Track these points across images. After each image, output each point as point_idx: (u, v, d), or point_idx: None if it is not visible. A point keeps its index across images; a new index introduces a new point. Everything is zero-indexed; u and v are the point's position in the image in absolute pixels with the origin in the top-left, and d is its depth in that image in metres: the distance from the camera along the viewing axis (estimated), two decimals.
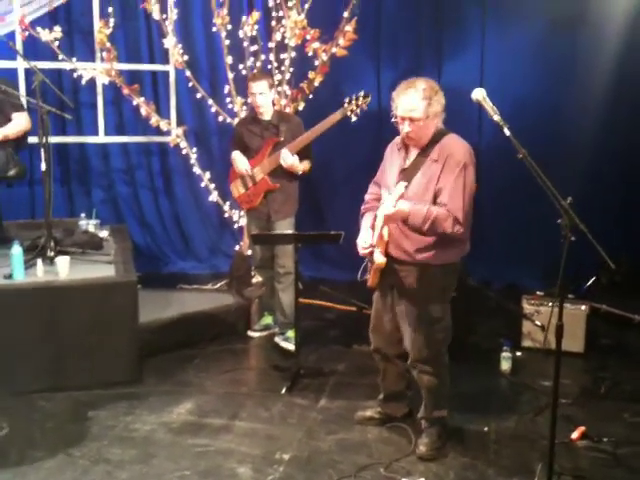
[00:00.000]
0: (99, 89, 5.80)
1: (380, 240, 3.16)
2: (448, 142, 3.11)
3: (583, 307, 4.63)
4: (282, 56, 5.63)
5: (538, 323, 4.62)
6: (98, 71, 5.62)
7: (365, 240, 3.25)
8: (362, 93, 4.44)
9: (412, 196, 3.08)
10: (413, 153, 3.18)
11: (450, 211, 2.99)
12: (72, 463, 3.22)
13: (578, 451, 3.39)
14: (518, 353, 4.55)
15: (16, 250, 4.02)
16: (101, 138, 5.99)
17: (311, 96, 5.65)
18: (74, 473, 3.13)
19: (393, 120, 3.12)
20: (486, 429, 3.60)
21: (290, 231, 4.64)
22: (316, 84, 5.58)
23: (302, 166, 4.57)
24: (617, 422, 3.69)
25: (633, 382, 4.20)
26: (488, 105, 2.69)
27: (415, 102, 3.01)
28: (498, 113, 2.66)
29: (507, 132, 2.62)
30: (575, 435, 3.48)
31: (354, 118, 4.48)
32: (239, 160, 4.74)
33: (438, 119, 3.10)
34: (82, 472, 3.14)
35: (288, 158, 4.47)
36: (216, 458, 3.29)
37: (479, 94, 2.73)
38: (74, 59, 5.56)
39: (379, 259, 3.16)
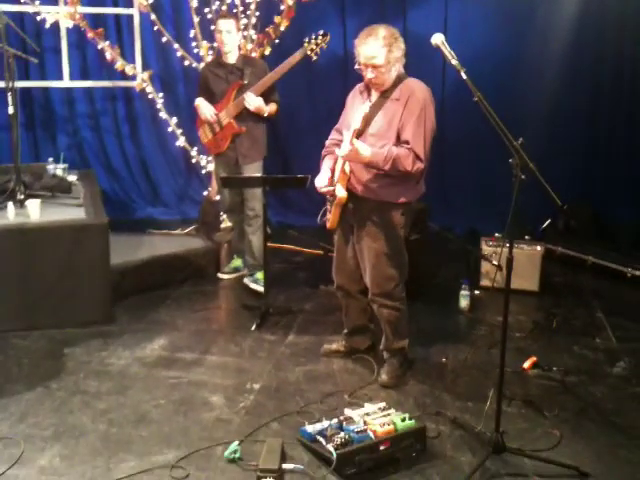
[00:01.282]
0: (63, 33, 5.73)
1: (342, 175, 3.32)
2: (409, 83, 3.27)
3: (539, 248, 4.86)
4: (248, 0, 5.62)
5: (495, 262, 4.82)
6: (62, 14, 5.55)
7: (324, 179, 3.41)
8: (321, 32, 4.47)
9: (375, 133, 3.25)
10: (375, 95, 3.33)
11: (412, 148, 3.15)
12: (50, 395, 3.36)
13: (529, 379, 3.63)
14: (477, 292, 4.77)
15: None
16: (66, 83, 5.95)
17: (277, 41, 5.68)
18: (53, 404, 3.27)
19: (356, 67, 3.27)
20: (444, 360, 3.82)
21: (258, 174, 4.74)
22: (282, 29, 5.61)
23: (268, 108, 4.63)
24: (567, 354, 3.94)
25: (583, 318, 4.46)
26: (446, 49, 2.80)
27: (376, 50, 3.15)
28: (456, 58, 2.77)
29: (464, 75, 2.74)
30: (527, 365, 3.72)
31: (314, 57, 4.51)
32: (203, 106, 4.75)
33: (399, 64, 3.25)
34: (60, 403, 3.28)
35: (253, 100, 4.53)
36: (189, 389, 3.45)
37: (438, 39, 2.84)
38: (37, 2, 5.48)
39: (340, 193, 3.32)
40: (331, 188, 3.36)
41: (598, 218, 5.88)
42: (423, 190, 3.45)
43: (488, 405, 3.20)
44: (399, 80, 3.27)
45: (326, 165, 3.49)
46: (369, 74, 3.22)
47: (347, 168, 3.31)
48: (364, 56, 3.19)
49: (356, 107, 3.35)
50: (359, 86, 3.44)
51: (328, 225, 3.50)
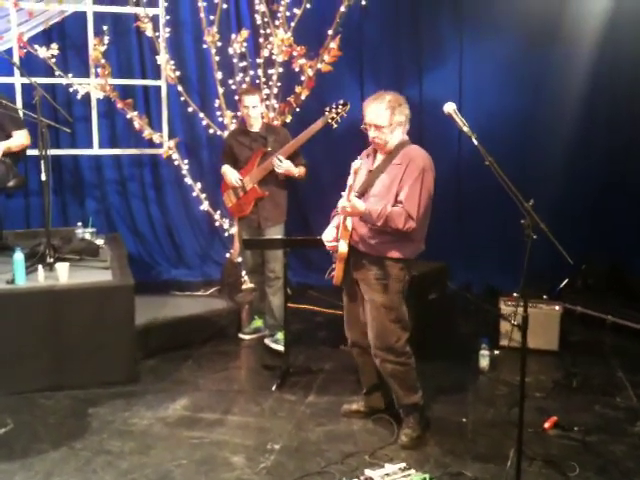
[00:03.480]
0: (93, 103, 5.99)
1: (344, 231, 3.49)
2: (410, 150, 3.48)
3: (557, 307, 4.89)
4: (270, 71, 5.88)
5: (515, 322, 4.85)
6: (93, 86, 5.83)
7: (331, 234, 3.60)
8: (341, 102, 4.66)
9: (377, 193, 3.45)
10: (379, 158, 3.54)
11: (405, 208, 3.33)
12: (75, 455, 3.42)
13: (550, 439, 3.63)
14: (496, 352, 4.77)
15: (18, 256, 4.22)
16: (95, 151, 6.18)
17: (298, 109, 5.90)
18: (77, 463, 3.33)
19: (362, 127, 3.49)
20: (464, 420, 3.83)
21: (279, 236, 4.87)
22: (303, 98, 5.83)
23: (298, 170, 4.81)
24: (587, 413, 3.93)
25: (603, 377, 4.46)
26: (458, 117, 2.95)
27: (379, 111, 3.40)
28: (467, 125, 2.91)
29: (475, 141, 2.88)
30: (547, 424, 3.72)
31: (335, 125, 4.70)
32: (229, 173, 4.96)
33: (402, 127, 3.47)
34: (85, 462, 3.34)
35: (283, 162, 4.71)
36: (211, 449, 3.49)
37: (450, 107, 3.01)
38: (70, 75, 5.78)
39: (342, 248, 3.49)
40: (335, 244, 3.54)
41: (617, 271, 5.90)
42: (422, 248, 3.58)
43: (509, 465, 3.20)
44: (402, 146, 3.47)
45: (333, 223, 3.67)
46: (372, 133, 3.45)
47: (349, 225, 3.48)
48: (368, 116, 3.43)
49: (362, 168, 3.53)
50: (365, 150, 3.65)
51: (334, 281, 3.61)
